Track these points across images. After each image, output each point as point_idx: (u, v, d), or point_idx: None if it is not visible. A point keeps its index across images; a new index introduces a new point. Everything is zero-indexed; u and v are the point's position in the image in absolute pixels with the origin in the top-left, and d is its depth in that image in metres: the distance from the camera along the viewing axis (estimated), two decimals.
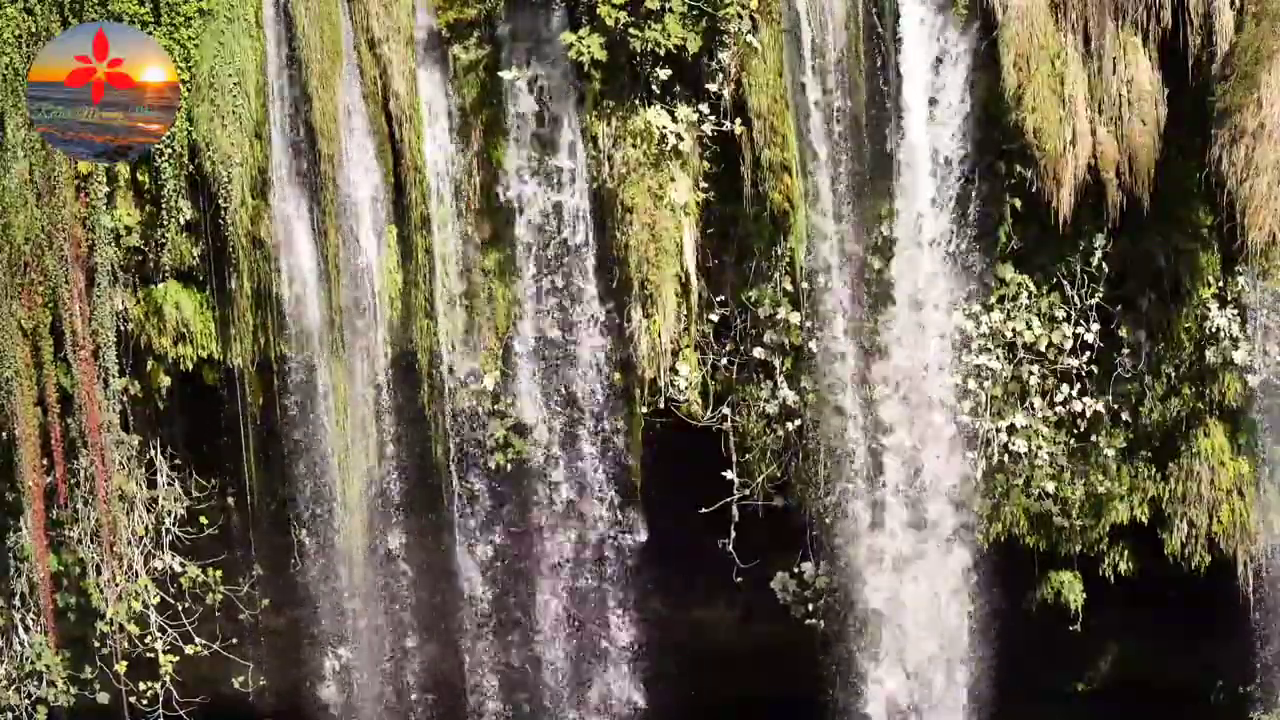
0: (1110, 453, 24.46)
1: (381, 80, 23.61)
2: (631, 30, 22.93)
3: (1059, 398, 24.30)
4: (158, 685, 25.38)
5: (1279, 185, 22.72)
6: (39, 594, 25.09)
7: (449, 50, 23.69)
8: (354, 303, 24.02)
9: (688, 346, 24.30)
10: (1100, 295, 24.02)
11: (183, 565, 25.32)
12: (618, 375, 24.30)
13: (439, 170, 23.86)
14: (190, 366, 24.51)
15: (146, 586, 25.12)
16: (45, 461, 24.69)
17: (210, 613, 25.52)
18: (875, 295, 24.04)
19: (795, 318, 24.04)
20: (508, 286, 24.15)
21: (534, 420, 24.45)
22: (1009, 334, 24.12)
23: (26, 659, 25.31)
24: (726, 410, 24.64)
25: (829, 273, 23.86)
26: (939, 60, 23.34)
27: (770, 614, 25.40)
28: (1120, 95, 23.27)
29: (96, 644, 25.26)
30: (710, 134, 23.63)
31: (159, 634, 25.27)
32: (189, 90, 23.58)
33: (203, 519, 25.26)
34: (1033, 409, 24.34)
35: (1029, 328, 24.11)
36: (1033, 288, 24.11)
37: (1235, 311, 23.79)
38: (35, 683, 25.36)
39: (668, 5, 22.94)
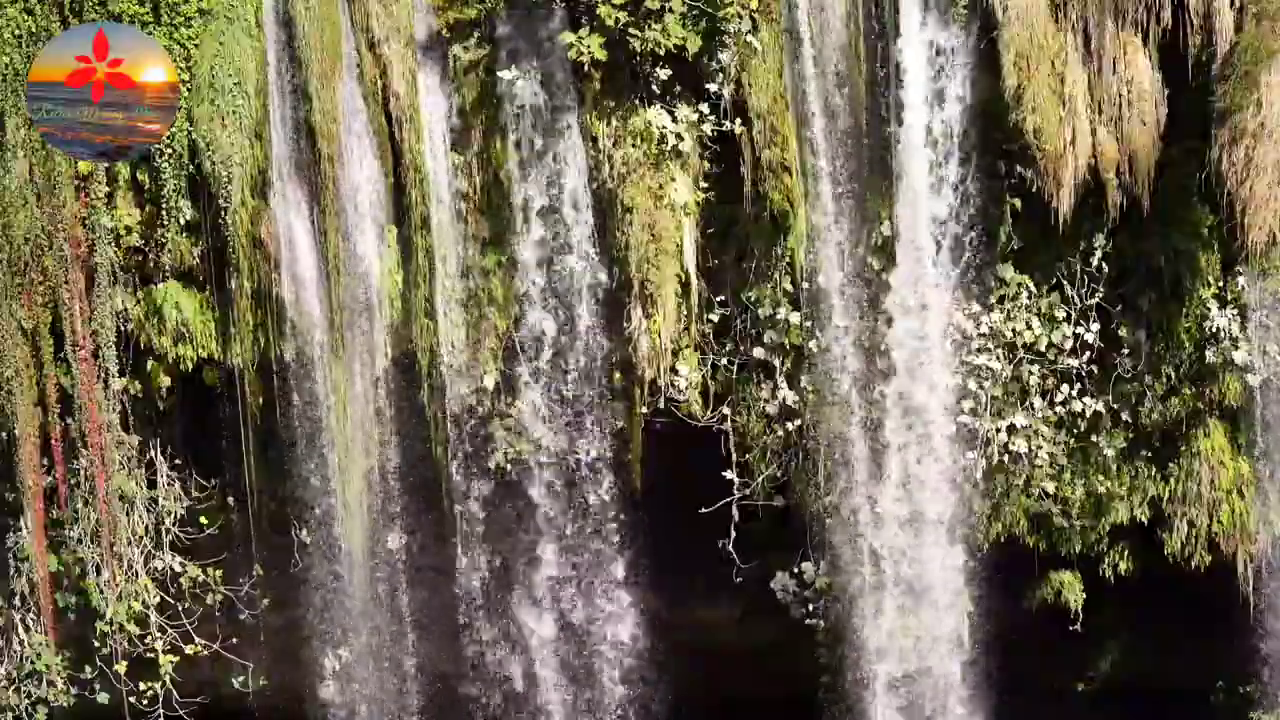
0: (1110, 453, 24.45)
1: (381, 80, 23.62)
2: (631, 30, 22.93)
3: (1059, 398, 24.30)
4: (158, 685, 25.37)
5: (1279, 185, 22.73)
6: (39, 594, 25.08)
7: (449, 50, 23.69)
8: (354, 303, 24.02)
9: (688, 346, 24.30)
10: (1100, 295, 24.02)
11: (183, 565, 25.31)
12: (618, 375, 24.30)
13: (439, 170, 23.86)
14: (190, 367, 24.50)
15: (146, 586, 25.11)
16: (45, 461, 24.69)
17: (210, 613, 25.51)
18: (875, 295, 24.04)
19: (795, 318, 24.04)
20: (507, 286, 24.16)
21: (534, 420, 24.45)
22: (1009, 334, 24.12)
23: (26, 659, 25.30)
24: (726, 410, 24.63)
25: (829, 273, 23.85)
26: (939, 60, 23.35)
27: (770, 614, 25.39)
28: (1120, 95, 23.27)
29: (96, 644, 25.24)
30: (710, 134, 23.63)
31: (159, 634, 25.26)
32: (189, 90, 23.58)
33: (203, 519, 25.25)
34: (1033, 409, 24.34)
35: (1029, 328, 24.11)
36: (1033, 288, 24.11)
37: (1235, 311, 23.79)
38: (35, 683, 25.34)
39: (668, 5, 22.94)
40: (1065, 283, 24.06)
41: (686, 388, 24.39)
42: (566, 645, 25.17)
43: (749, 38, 23.26)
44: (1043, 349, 24.18)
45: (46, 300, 24.18)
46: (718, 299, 24.34)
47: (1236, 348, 23.76)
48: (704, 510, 24.77)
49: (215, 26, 23.52)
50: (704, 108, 23.53)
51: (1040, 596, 25.50)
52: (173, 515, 25.19)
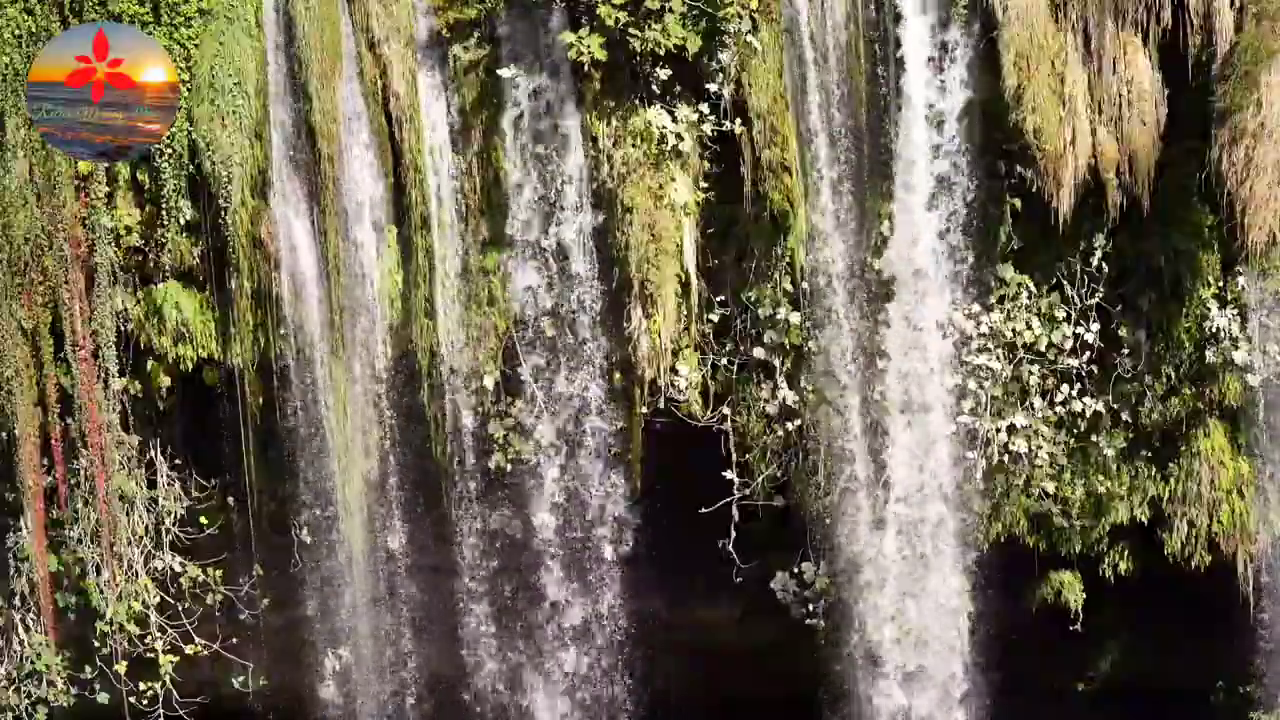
0: (1110, 453, 24.46)
1: (381, 80, 23.62)
2: (631, 30, 22.93)
3: (1059, 398, 24.30)
4: (158, 685, 25.37)
5: (1279, 185, 22.73)
6: (39, 594, 25.08)
7: (449, 50, 23.69)
8: (354, 303, 24.02)
9: (688, 346, 24.30)
10: (1100, 295, 24.02)
11: (183, 565, 25.31)
12: (618, 375, 24.30)
13: (439, 170, 23.87)
14: (190, 366, 24.50)
15: (146, 586, 25.10)
16: (45, 461, 24.69)
17: (210, 613, 25.51)
18: (874, 295, 24.04)
19: (795, 318, 24.04)
20: (507, 286, 24.15)
21: (533, 420, 24.45)
22: (1009, 334, 24.12)
23: (26, 659, 25.29)
24: (726, 410, 24.63)
25: (829, 273, 23.85)
26: (939, 60, 23.35)
27: (770, 614, 25.39)
28: (1120, 95, 23.27)
29: (96, 644, 25.23)
30: (710, 134, 23.63)
31: (159, 634, 25.26)
32: (189, 90, 23.59)
33: (203, 519, 25.25)
34: (1033, 409, 24.34)
35: (1029, 328, 24.11)
36: (1033, 288, 24.12)
37: (1235, 311, 23.79)
38: (35, 683, 25.34)
39: (668, 5, 22.94)
40: (1065, 283, 24.07)
41: (686, 388, 24.39)
42: (567, 645, 25.16)
43: (749, 37, 23.26)
44: (1043, 349, 24.18)
45: (46, 300, 24.19)
46: (718, 299, 24.34)
47: (1236, 348, 23.76)
48: (704, 510, 24.77)
49: (215, 26, 23.52)
50: (704, 108, 23.53)
51: (1040, 596, 25.51)
52: (173, 515, 25.19)
